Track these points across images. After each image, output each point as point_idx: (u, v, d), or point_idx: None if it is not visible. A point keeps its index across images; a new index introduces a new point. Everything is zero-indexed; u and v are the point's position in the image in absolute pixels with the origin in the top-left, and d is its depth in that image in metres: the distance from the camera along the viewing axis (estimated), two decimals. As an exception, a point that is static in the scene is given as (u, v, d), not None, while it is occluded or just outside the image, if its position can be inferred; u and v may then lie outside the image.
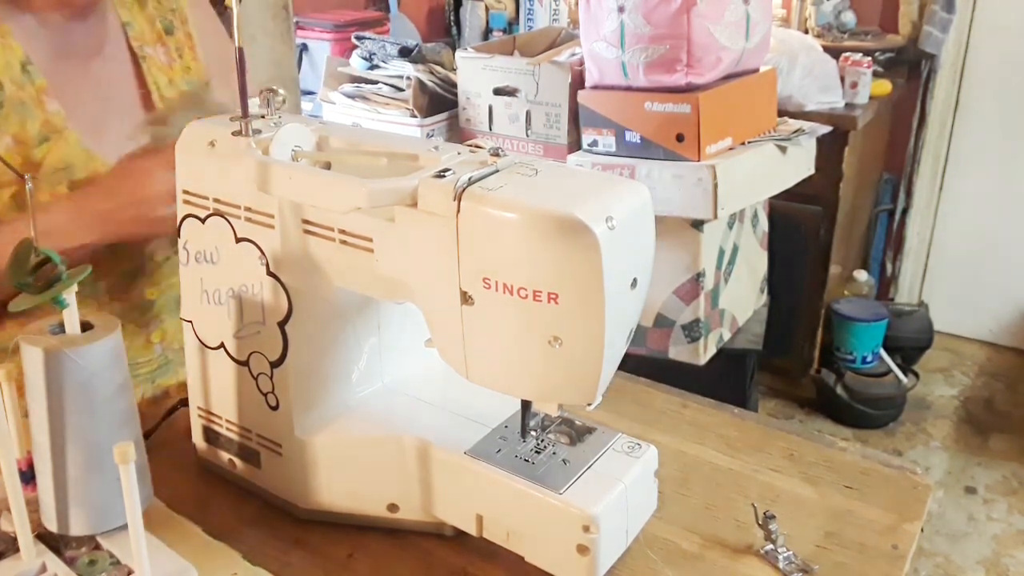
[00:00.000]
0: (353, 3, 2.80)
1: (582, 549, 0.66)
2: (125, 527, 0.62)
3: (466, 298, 0.61)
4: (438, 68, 2.35)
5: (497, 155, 0.65)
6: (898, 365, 2.66)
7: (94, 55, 1.01)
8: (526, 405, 0.70)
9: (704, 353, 1.86)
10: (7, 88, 0.92)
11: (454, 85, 2.32)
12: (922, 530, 0.78)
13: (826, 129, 1.95)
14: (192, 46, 1.09)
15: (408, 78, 2.28)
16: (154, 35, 1.06)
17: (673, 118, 1.71)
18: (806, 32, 2.82)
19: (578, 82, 2.09)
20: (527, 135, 2.19)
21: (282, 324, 0.73)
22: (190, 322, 0.80)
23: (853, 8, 2.86)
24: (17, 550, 0.68)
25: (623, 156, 1.78)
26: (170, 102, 1.05)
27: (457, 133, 2.33)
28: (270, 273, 0.73)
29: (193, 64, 1.09)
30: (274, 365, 0.75)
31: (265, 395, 0.77)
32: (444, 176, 0.62)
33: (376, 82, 2.35)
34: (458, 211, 0.60)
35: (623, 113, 1.79)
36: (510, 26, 2.90)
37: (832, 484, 0.82)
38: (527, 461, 0.70)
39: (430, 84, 2.30)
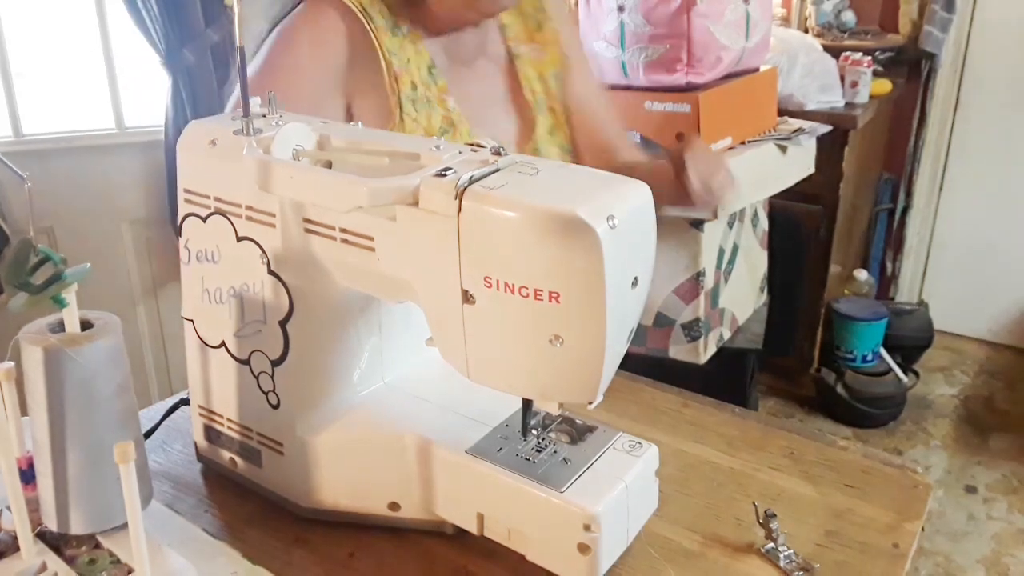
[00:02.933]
0: (353, 2, 2.80)
1: (583, 548, 0.66)
2: (125, 526, 0.62)
3: (467, 297, 0.61)
4: (438, 67, 2.35)
5: (498, 154, 0.65)
6: (898, 364, 2.66)
7: (479, 55, 1.18)
8: (527, 404, 0.70)
9: (704, 352, 1.86)
10: (419, 88, 1.09)
11: (454, 84, 2.32)
12: (922, 529, 0.78)
13: (826, 128, 1.95)
14: (557, 41, 1.23)
15: (408, 77, 2.28)
16: (526, 33, 1.22)
17: (673, 117, 1.72)
18: (806, 31, 2.82)
19: (578, 81, 2.08)
20: (527, 134, 2.18)
21: (283, 323, 0.73)
22: (191, 321, 0.80)
23: (853, 7, 2.86)
24: (17, 549, 0.68)
25: (623, 155, 1.78)
26: (538, 95, 1.21)
27: (457, 132, 2.33)
28: (271, 272, 0.73)
29: (557, 57, 1.23)
30: (275, 364, 0.75)
31: (266, 394, 0.77)
32: (445, 175, 0.62)
33: (376, 81, 2.35)
34: (459, 210, 0.60)
35: (623, 112, 1.78)
36: (510, 25, 2.89)
37: (832, 483, 0.82)
38: (528, 460, 0.70)
39: (430, 83, 2.30)
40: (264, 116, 0.76)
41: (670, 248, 1.76)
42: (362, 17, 1.07)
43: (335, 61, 1.06)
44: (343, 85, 1.07)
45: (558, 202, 0.58)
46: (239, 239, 0.74)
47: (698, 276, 1.79)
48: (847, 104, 2.43)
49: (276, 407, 0.76)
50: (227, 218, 0.75)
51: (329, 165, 0.75)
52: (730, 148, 1.77)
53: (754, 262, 2.02)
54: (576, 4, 2.02)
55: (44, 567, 0.68)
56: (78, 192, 2.14)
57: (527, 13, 1.22)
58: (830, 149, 2.18)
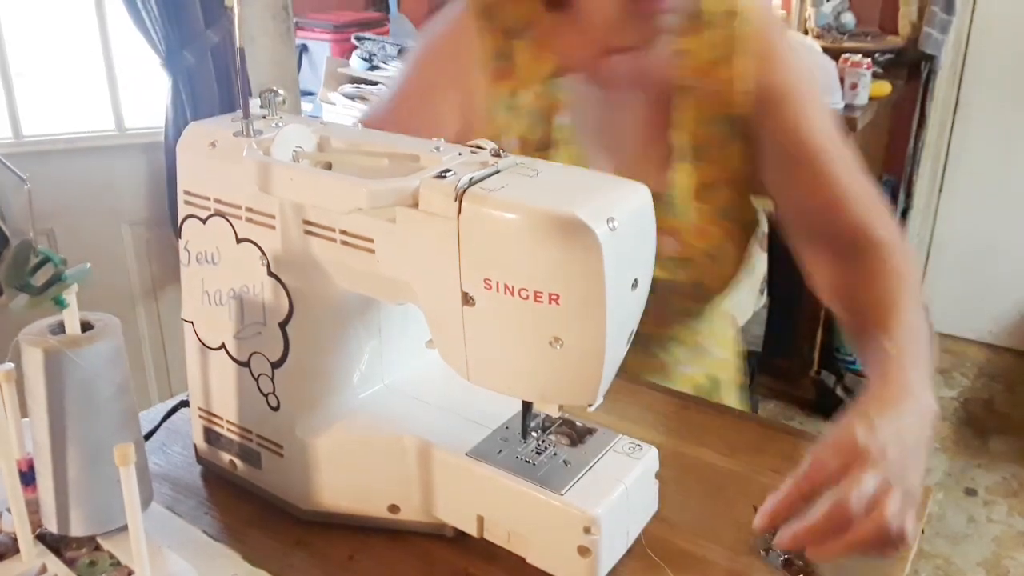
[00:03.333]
0: (353, 3, 2.80)
1: (583, 550, 0.66)
2: (125, 528, 0.62)
3: (467, 299, 0.61)
4: (438, 69, 2.35)
5: (498, 155, 0.65)
6: (898, 366, 2.65)
7: (635, 85, 1.04)
8: (527, 406, 0.70)
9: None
10: (521, 96, 1.04)
11: (454, 86, 2.32)
12: (923, 532, 0.78)
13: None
14: (748, 78, 1.03)
15: (408, 79, 2.28)
16: (708, 65, 1.01)
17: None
18: (806, 33, 2.83)
19: (578, 83, 2.08)
20: (527, 136, 2.18)
21: (283, 325, 0.73)
22: (191, 323, 0.80)
23: (852, 9, 2.86)
24: (17, 551, 0.68)
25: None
26: (685, 141, 1.03)
27: (457, 134, 2.33)
28: (271, 274, 0.73)
29: (739, 99, 1.02)
30: (275, 366, 0.75)
31: (266, 396, 0.77)
32: (445, 177, 0.62)
33: (376, 83, 2.35)
34: (459, 212, 0.60)
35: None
36: (510, 27, 2.89)
37: (833, 485, 0.82)
38: (528, 462, 0.70)
39: (430, 85, 2.30)
40: (264, 117, 0.76)
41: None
42: (476, 14, 1.04)
43: (455, 59, 1.05)
44: (457, 81, 1.05)
45: (558, 204, 0.58)
46: (239, 241, 0.74)
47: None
48: (846, 106, 2.44)
49: (276, 409, 0.76)
50: (227, 220, 0.75)
51: (329, 167, 0.75)
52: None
53: (754, 264, 2.02)
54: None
55: (44, 569, 0.68)
56: (78, 193, 2.14)
57: (715, 42, 1.01)
58: (830, 151, 2.18)
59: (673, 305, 1.07)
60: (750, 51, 0.99)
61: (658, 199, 0.99)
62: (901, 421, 0.72)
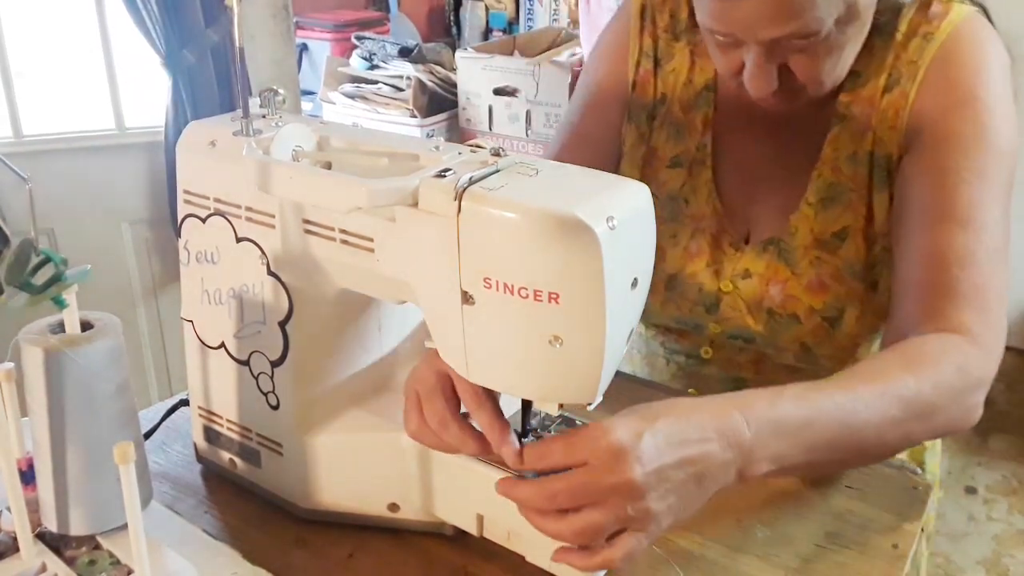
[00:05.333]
0: (353, 3, 2.80)
1: (583, 548, 0.66)
2: (125, 527, 0.62)
3: (467, 298, 0.61)
4: (438, 68, 2.35)
5: (498, 155, 0.65)
6: (898, 365, 2.65)
7: (794, 116, 0.93)
8: (527, 405, 0.70)
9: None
10: (669, 106, 0.99)
11: (454, 85, 2.32)
12: (922, 530, 0.78)
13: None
14: (906, 108, 0.89)
15: (408, 78, 2.28)
16: (872, 90, 0.89)
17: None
18: None
19: (578, 82, 2.09)
20: (527, 135, 2.19)
21: (283, 324, 0.73)
22: (191, 322, 0.80)
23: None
24: (17, 550, 0.68)
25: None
26: (826, 178, 0.92)
27: (457, 133, 2.33)
28: (271, 273, 0.73)
29: (891, 135, 0.89)
30: (275, 365, 0.75)
31: (266, 395, 0.77)
32: (445, 176, 0.62)
33: (376, 82, 2.35)
34: (459, 211, 0.60)
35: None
36: (510, 26, 2.90)
37: (832, 484, 0.82)
38: (528, 461, 0.70)
39: (430, 84, 2.30)
40: (264, 117, 0.76)
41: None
42: (637, 13, 1.01)
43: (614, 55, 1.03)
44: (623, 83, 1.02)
45: (557, 203, 0.58)
46: (238, 240, 0.74)
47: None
48: None
49: (276, 408, 0.76)
50: (227, 219, 0.75)
51: (328, 166, 0.75)
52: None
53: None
54: (576, 4, 2.02)
55: (44, 568, 0.68)
56: (78, 193, 2.14)
57: (889, 66, 0.87)
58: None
59: (772, 360, 0.98)
60: (927, 78, 0.86)
61: (771, 243, 0.93)
62: (690, 451, 0.61)
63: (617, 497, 0.59)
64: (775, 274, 0.94)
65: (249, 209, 0.73)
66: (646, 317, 1.04)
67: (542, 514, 0.62)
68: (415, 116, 2.27)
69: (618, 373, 0.66)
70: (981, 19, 0.88)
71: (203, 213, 0.76)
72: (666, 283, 0.99)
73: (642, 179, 1.00)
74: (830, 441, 0.66)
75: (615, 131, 1.03)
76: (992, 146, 0.82)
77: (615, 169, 1.02)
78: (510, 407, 0.75)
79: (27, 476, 0.69)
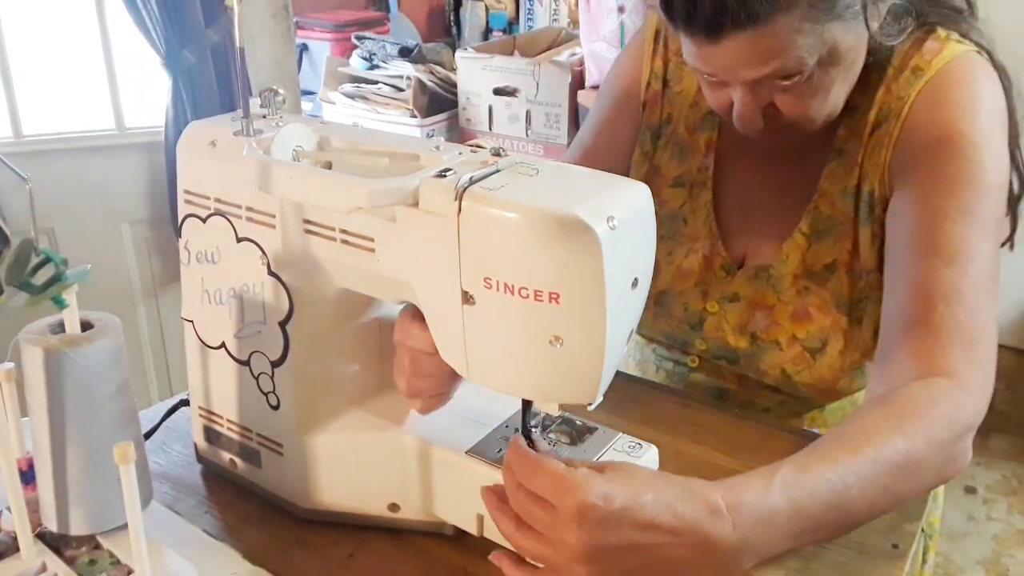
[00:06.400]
0: (353, 3, 2.80)
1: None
2: (125, 527, 0.62)
3: (467, 298, 0.61)
4: (438, 68, 2.35)
5: (498, 155, 0.65)
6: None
7: (794, 147, 0.93)
8: (527, 405, 0.70)
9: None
10: (674, 126, 1.02)
11: (454, 85, 2.32)
12: (922, 530, 0.78)
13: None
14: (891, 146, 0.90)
15: (408, 78, 2.28)
16: (874, 124, 0.89)
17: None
18: None
19: (578, 82, 2.09)
20: (527, 135, 2.19)
21: (283, 324, 0.73)
22: (191, 322, 0.80)
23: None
24: (17, 549, 0.68)
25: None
26: (823, 213, 0.93)
27: (457, 133, 2.33)
28: (271, 273, 0.73)
29: (880, 173, 0.89)
30: (275, 365, 0.75)
31: (266, 395, 0.77)
32: (445, 176, 0.62)
33: (376, 82, 2.35)
34: (459, 211, 0.60)
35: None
36: (510, 26, 2.90)
37: (833, 484, 0.82)
38: (528, 461, 0.70)
39: (430, 84, 2.31)
40: (264, 117, 0.76)
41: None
42: (651, 36, 1.02)
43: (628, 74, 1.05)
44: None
45: (558, 203, 0.58)
46: (239, 240, 0.74)
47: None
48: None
49: (276, 408, 0.76)
50: (227, 219, 0.75)
51: (329, 166, 0.75)
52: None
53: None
54: (576, 4, 2.02)
55: (44, 568, 0.68)
56: (78, 192, 2.14)
57: (883, 101, 0.88)
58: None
59: (754, 380, 0.99)
60: (911, 115, 0.86)
61: (762, 270, 0.94)
62: (650, 539, 0.59)
63: (561, 550, 0.60)
64: (762, 300, 0.95)
65: (249, 209, 0.73)
66: (639, 327, 1.05)
67: (502, 510, 0.64)
68: (415, 116, 2.27)
69: (618, 373, 0.66)
70: (978, 59, 0.87)
71: (203, 213, 0.76)
72: (656, 299, 1.00)
73: None
74: (820, 523, 0.65)
75: (626, 151, 1.04)
76: (978, 181, 0.81)
77: None
78: (510, 407, 0.75)
79: (27, 476, 0.69)
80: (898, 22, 0.84)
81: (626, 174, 1.03)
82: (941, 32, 0.88)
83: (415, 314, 0.70)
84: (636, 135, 1.04)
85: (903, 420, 0.70)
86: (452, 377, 0.72)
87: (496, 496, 0.65)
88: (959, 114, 0.83)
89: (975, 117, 0.83)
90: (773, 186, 0.96)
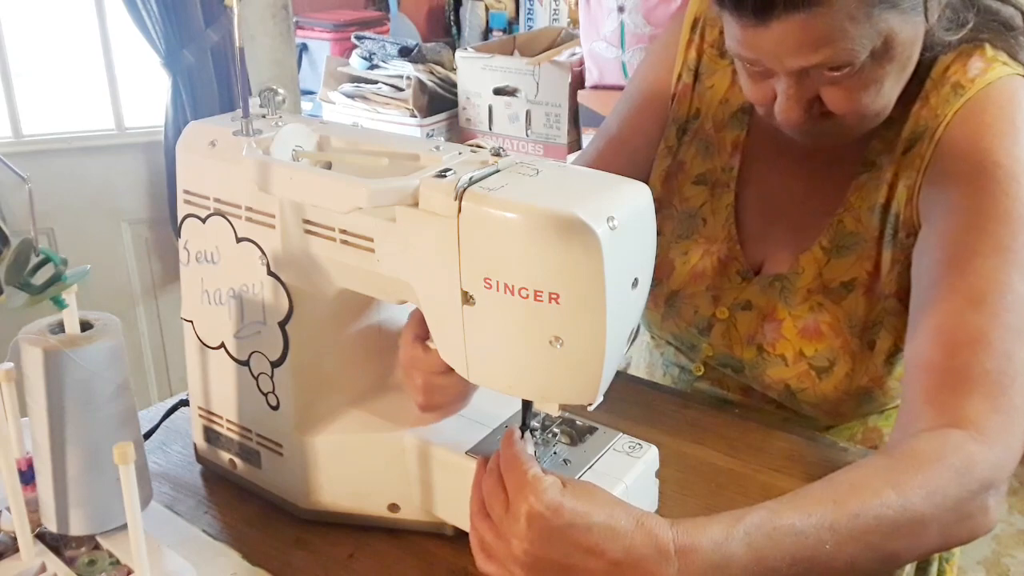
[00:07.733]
0: (353, 3, 2.80)
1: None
2: (125, 527, 0.62)
3: (467, 298, 0.61)
4: (438, 68, 2.35)
5: (498, 155, 0.65)
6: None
7: (825, 156, 0.91)
8: (527, 405, 0.70)
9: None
10: (702, 122, 0.99)
11: (454, 85, 2.32)
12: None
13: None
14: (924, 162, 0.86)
15: (408, 78, 2.28)
16: (908, 143, 0.85)
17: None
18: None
19: (578, 82, 2.09)
20: (527, 135, 2.19)
21: (283, 324, 0.73)
22: (191, 322, 0.80)
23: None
24: (17, 550, 0.68)
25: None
26: (846, 227, 0.90)
27: (457, 133, 2.33)
28: (271, 273, 0.73)
29: (904, 191, 0.86)
30: (275, 365, 0.75)
31: (265, 395, 0.77)
32: (445, 176, 0.62)
33: (376, 82, 2.35)
34: (459, 211, 0.60)
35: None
36: (510, 26, 2.90)
37: (833, 484, 0.81)
38: (528, 461, 0.70)
39: (430, 84, 2.30)
40: (264, 117, 0.76)
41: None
42: (688, 25, 0.98)
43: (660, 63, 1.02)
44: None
45: (558, 203, 0.58)
46: (238, 240, 0.74)
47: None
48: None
49: (275, 408, 0.76)
50: (227, 219, 0.74)
51: (329, 166, 0.75)
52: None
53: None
54: (576, 4, 2.02)
55: (43, 568, 0.68)
56: (78, 192, 2.14)
57: (920, 117, 0.83)
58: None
59: (758, 393, 0.97)
60: (945, 138, 0.81)
61: (778, 280, 0.91)
62: (581, 560, 0.59)
63: (505, 548, 0.62)
64: (773, 311, 0.92)
65: (249, 209, 0.73)
66: (650, 327, 1.04)
67: (476, 498, 0.66)
68: (415, 116, 2.27)
69: (618, 373, 0.66)
70: (1023, 83, 0.81)
71: (203, 213, 0.76)
72: (667, 299, 0.98)
73: (665, 192, 0.99)
74: None
75: (653, 141, 1.01)
76: (1014, 216, 0.75)
77: (648, 179, 1.00)
78: (510, 407, 0.75)
79: (27, 476, 0.69)
80: (957, 17, 0.80)
81: (649, 166, 1.01)
82: (989, 50, 0.83)
83: (416, 335, 0.71)
84: (663, 128, 1.01)
85: (900, 473, 0.65)
86: (468, 384, 0.72)
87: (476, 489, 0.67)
88: (996, 142, 0.78)
89: (1012, 146, 0.78)
90: (797, 193, 0.92)
